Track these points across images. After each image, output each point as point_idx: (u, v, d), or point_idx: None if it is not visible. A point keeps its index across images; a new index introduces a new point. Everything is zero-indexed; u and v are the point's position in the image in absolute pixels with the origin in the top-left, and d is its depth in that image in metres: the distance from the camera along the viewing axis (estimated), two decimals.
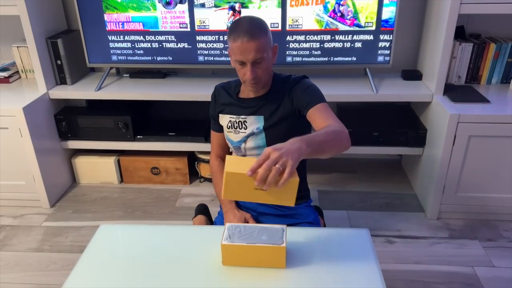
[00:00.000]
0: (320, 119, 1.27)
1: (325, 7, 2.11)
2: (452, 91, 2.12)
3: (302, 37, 2.19)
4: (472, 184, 2.06)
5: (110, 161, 2.52)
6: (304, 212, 1.52)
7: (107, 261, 1.12)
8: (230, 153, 1.58)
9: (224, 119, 1.46)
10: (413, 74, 2.34)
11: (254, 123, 1.40)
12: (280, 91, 1.39)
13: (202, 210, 1.74)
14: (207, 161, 2.44)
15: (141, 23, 2.23)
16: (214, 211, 1.65)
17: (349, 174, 2.58)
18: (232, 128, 1.44)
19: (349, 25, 2.14)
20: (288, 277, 1.04)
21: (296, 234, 1.18)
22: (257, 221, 1.50)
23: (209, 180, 2.53)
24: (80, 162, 2.55)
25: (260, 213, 1.51)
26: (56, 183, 2.42)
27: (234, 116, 1.43)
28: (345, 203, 2.32)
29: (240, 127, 1.42)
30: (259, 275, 1.04)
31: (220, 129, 1.51)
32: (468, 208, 2.13)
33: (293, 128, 1.40)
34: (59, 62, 2.31)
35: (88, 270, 1.09)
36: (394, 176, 2.57)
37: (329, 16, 2.13)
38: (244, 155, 1.46)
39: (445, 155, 2.00)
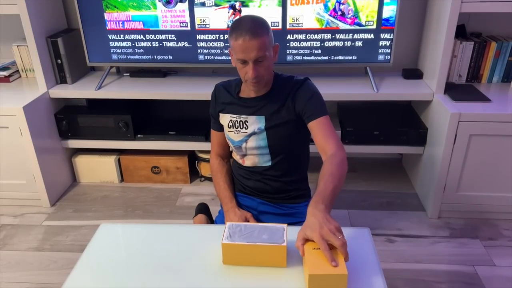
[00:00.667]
0: (321, 136, 1.30)
1: (326, 6, 2.10)
2: (453, 90, 2.12)
3: (302, 36, 2.18)
4: (473, 183, 2.06)
5: (111, 160, 2.52)
6: (304, 211, 1.48)
7: (108, 261, 1.11)
8: (230, 152, 1.58)
9: (225, 119, 1.46)
10: (413, 73, 2.33)
11: (255, 123, 1.40)
12: (282, 92, 1.39)
13: (203, 209, 1.74)
14: (208, 160, 2.44)
15: (141, 22, 2.22)
16: (214, 210, 1.65)
17: (349, 173, 2.53)
18: (233, 128, 1.44)
19: (349, 24, 2.13)
20: (289, 276, 1.04)
21: (297, 233, 1.18)
22: (258, 220, 1.50)
23: (210, 179, 2.52)
24: (81, 161, 2.55)
25: (260, 212, 1.51)
26: (56, 182, 2.42)
27: (235, 116, 1.43)
28: (346, 202, 2.31)
29: (241, 127, 1.42)
30: (260, 274, 1.04)
31: (220, 128, 1.51)
32: (468, 207, 2.13)
33: (293, 132, 1.39)
34: (59, 61, 2.31)
35: (89, 269, 1.09)
36: (395, 175, 2.56)
37: (330, 15, 2.13)
38: (245, 155, 1.46)
39: (446, 154, 1.99)
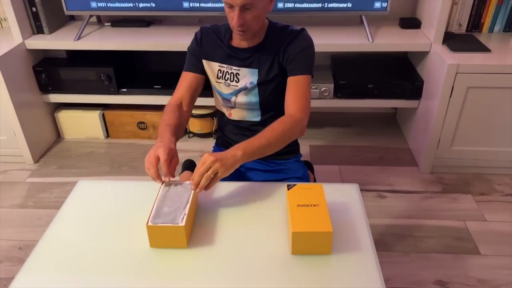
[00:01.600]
0: (292, 95, 1.23)
1: None
2: (452, 40, 2.01)
3: None
4: (468, 138, 2.00)
5: (95, 115, 2.42)
6: (293, 167, 1.46)
7: (85, 219, 1.06)
8: (220, 120, 1.48)
9: (212, 67, 1.34)
10: (411, 22, 2.21)
11: (247, 76, 1.30)
12: (275, 43, 1.27)
13: (189, 166, 1.68)
14: (196, 116, 2.35)
15: None
16: None
17: (341, 128, 2.51)
18: (222, 79, 1.33)
19: None
20: (276, 233, 1.00)
21: (283, 189, 1.13)
22: (245, 176, 1.44)
23: (198, 135, 2.45)
24: (64, 116, 2.45)
25: (248, 168, 1.45)
26: (39, 138, 2.34)
27: (225, 66, 1.32)
28: (337, 158, 2.26)
29: (232, 79, 1.31)
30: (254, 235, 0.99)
31: (198, 70, 1.35)
32: (462, 162, 2.08)
33: (283, 85, 1.29)
34: (34, 9, 2.15)
35: (64, 228, 1.04)
36: (388, 130, 2.50)
37: None
38: (233, 107, 1.37)
39: (441, 107, 1.92)
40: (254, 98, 1.32)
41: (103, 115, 2.44)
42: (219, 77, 1.33)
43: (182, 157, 2.26)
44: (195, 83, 1.35)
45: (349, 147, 2.35)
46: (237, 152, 1.05)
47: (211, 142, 2.41)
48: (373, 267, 0.93)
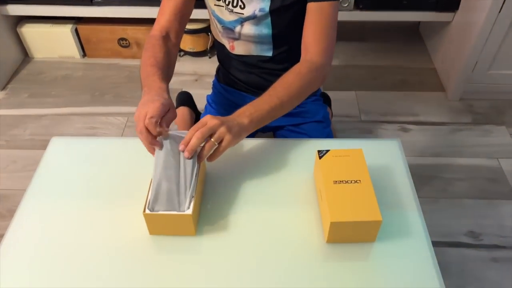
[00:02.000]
0: (313, 29, 0.92)
1: None
2: None
3: None
4: (509, 60, 1.71)
5: (66, 30, 2.04)
6: (312, 109, 1.21)
7: (64, 192, 0.84)
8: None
9: None
10: None
11: (256, 1, 0.95)
12: None
13: (185, 100, 1.42)
14: (188, 31, 1.98)
15: None
16: (199, 95, 1.34)
17: (356, 44, 2.17)
18: (223, 2, 0.98)
19: None
20: (304, 214, 0.78)
21: (309, 148, 0.90)
22: None
23: (191, 53, 2.11)
24: (29, 32, 2.06)
25: None
26: (2, 58, 1.98)
27: None
28: (353, 81, 1.97)
29: (235, 4, 0.97)
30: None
31: None
32: (496, 88, 1.82)
33: (304, 12, 0.95)
34: None
35: (36, 209, 0.82)
36: (410, 45, 2.17)
37: None
38: (237, 39, 1.05)
39: (487, 24, 1.59)
40: (265, 29, 0.99)
41: (76, 30, 2.05)
42: None
43: (174, 82, 1.96)
44: (183, 7, 0.98)
45: (365, 67, 2.05)
46: (243, 120, 0.81)
47: (206, 62, 2.08)
48: (427, 259, 0.73)
